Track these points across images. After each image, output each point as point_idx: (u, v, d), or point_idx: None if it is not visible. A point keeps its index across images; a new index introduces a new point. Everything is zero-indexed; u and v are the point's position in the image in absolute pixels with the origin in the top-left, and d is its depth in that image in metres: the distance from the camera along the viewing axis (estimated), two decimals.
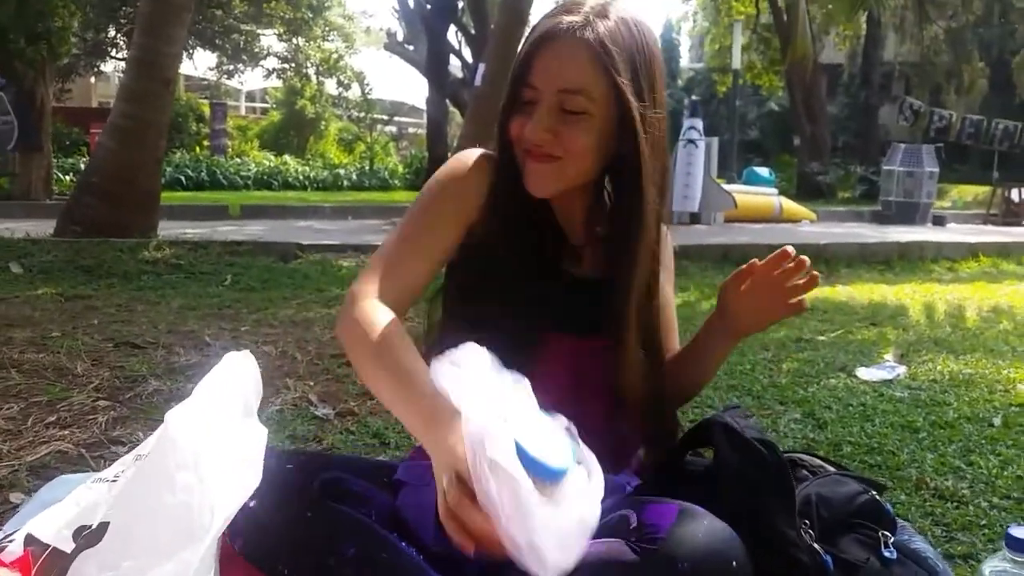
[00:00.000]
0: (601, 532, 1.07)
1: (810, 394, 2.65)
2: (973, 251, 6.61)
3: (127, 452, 2.12)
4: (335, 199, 11.99)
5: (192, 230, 6.77)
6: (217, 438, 1.01)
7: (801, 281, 1.26)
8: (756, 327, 1.30)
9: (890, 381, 2.86)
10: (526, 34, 1.20)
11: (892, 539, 1.19)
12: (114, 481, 1.04)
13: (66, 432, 2.20)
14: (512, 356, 1.21)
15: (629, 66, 1.13)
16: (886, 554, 1.16)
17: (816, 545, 1.13)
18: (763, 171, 12.59)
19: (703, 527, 1.00)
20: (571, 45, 1.12)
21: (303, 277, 4.77)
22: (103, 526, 0.94)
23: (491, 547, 0.86)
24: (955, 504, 1.82)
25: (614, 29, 1.13)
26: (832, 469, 1.40)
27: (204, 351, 3.08)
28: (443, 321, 1.28)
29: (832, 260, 6.05)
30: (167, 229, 6.37)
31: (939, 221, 10.85)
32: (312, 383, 2.69)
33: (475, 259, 1.22)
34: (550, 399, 1.24)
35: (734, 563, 0.98)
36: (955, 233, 8.85)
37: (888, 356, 3.19)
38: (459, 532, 0.88)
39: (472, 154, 1.25)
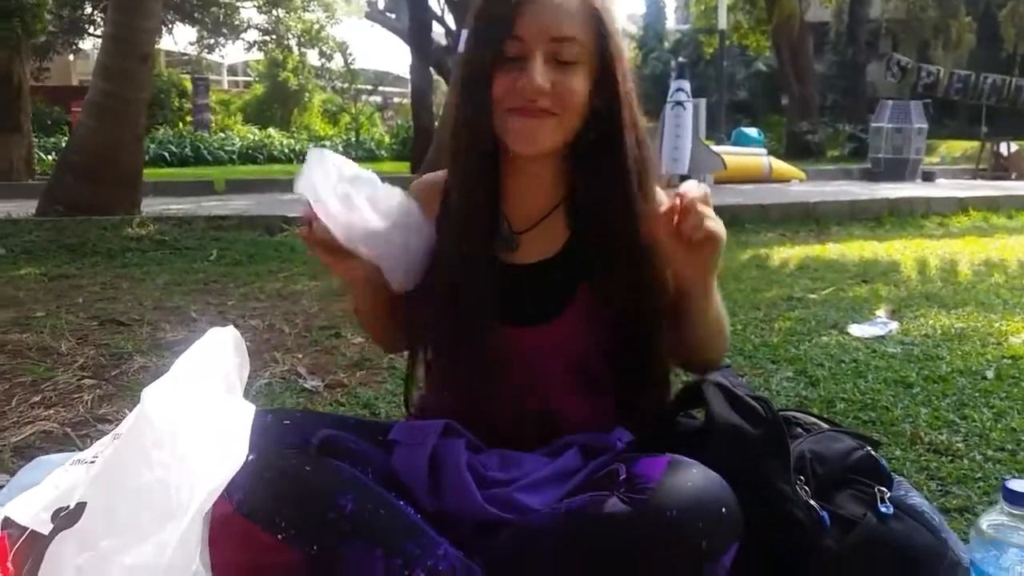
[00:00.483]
0: (590, 486, 1.08)
1: (802, 352, 2.64)
2: (963, 206, 6.59)
3: (113, 430, 2.11)
4: None
5: (177, 206, 6.69)
6: (197, 415, 0.98)
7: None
8: (694, 279, 1.17)
9: (882, 337, 2.85)
10: None
11: (888, 495, 1.17)
12: (92, 462, 1.01)
13: (51, 412, 2.17)
14: (463, 354, 1.22)
15: (609, 15, 1.14)
16: (883, 510, 1.14)
17: (812, 501, 1.12)
18: (752, 131, 12.52)
19: (692, 475, 1.00)
20: None
21: (289, 250, 4.72)
22: (80, 506, 0.92)
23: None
24: (950, 458, 1.81)
25: None
26: (826, 426, 1.39)
27: (191, 327, 3.04)
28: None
29: (823, 218, 6.03)
30: (151, 206, 6.30)
31: (928, 177, 10.82)
32: (300, 355, 2.66)
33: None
34: (515, 395, 1.24)
35: (723, 509, 0.98)
36: (945, 188, 8.82)
37: (880, 312, 3.17)
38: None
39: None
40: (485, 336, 1.21)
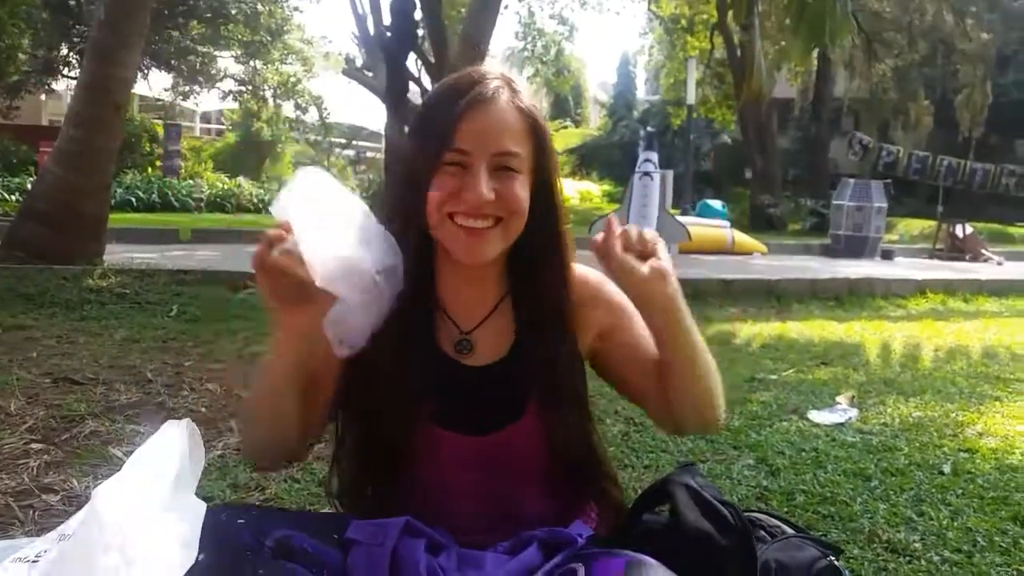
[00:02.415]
0: None
1: (763, 438, 2.65)
2: (921, 288, 6.73)
3: (58, 501, 2.04)
4: None
5: (141, 255, 6.61)
6: (148, 516, 0.95)
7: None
8: (659, 323, 1.18)
9: (842, 424, 2.87)
10: (431, 99, 1.20)
11: None
12: (35, 562, 0.97)
13: None
14: (408, 461, 1.20)
15: (544, 130, 1.18)
16: None
17: None
18: (716, 203, 12.76)
19: None
20: (503, 110, 1.13)
21: (251, 308, 4.65)
22: None
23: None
24: (907, 559, 1.81)
25: (529, 96, 1.18)
26: (790, 531, 1.38)
27: (145, 388, 2.98)
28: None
29: (784, 296, 6.12)
30: (116, 253, 6.21)
31: (887, 255, 11.07)
32: None
33: (361, 368, 1.17)
34: (468, 492, 1.23)
35: None
36: (903, 268, 9.03)
37: (840, 399, 3.20)
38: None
39: None
40: (414, 434, 1.19)
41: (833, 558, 1.29)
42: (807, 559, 1.25)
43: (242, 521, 1.09)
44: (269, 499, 2.05)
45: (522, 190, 1.14)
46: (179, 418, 2.48)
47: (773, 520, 1.43)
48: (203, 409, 2.74)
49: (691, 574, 1.10)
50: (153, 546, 0.92)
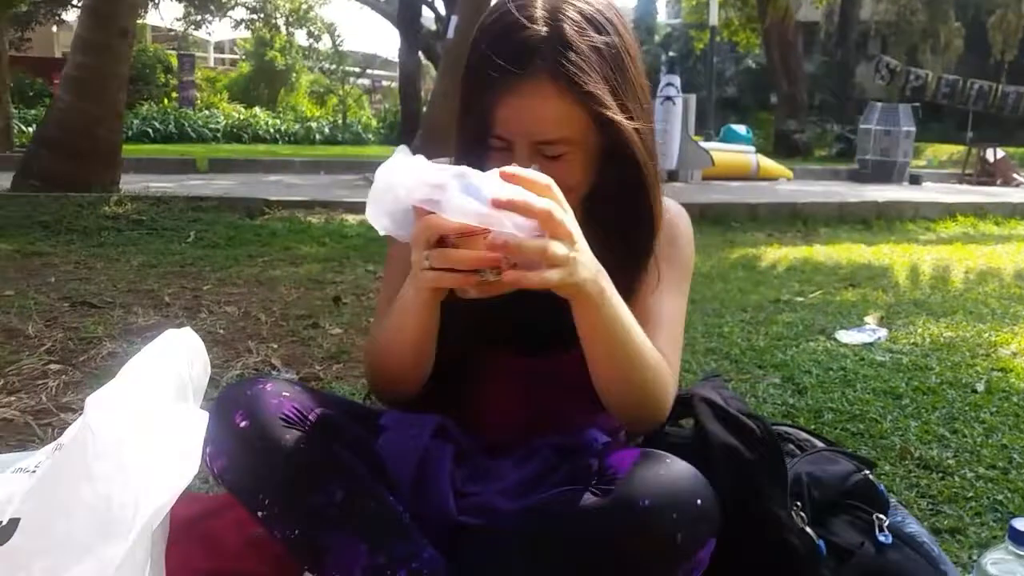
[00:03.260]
0: (563, 480, 1.03)
1: (789, 358, 2.59)
2: (951, 211, 6.58)
3: (76, 419, 2.02)
4: (306, 153, 11.73)
5: (158, 184, 6.55)
6: (145, 425, 0.91)
7: None
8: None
9: (871, 344, 2.80)
10: (474, 53, 1.03)
11: (887, 522, 1.12)
12: (34, 472, 0.93)
13: (12, 399, 2.08)
14: (453, 380, 1.14)
15: (609, 84, 1.00)
16: (881, 538, 1.09)
17: (808, 529, 1.06)
18: (741, 129, 12.46)
19: (664, 466, 0.96)
20: (540, 95, 0.98)
21: (270, 234, 4.62)
22: (13, 523, 0.84)
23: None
24: (940, 475, 1.76)
25: (581, 44, 0.98)
26: (820, 444, 1.33)
27: (163, 311, 2.96)
28: None
29: (810, 219, 5.99)
30: (132, 183, 6.16)
31: (915, 180, 10.82)
32: (276, 345, 2.58)
33: None
34: (509, 410, 1.17)
35: (699, 501, 0.94)
36: (932, 192, 8.83)
37: (869, 319, 3.13)
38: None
39: None
40: (483, 356, 1.14)
41: (868, 472, 1.24)
42: (841, 472, 1.20)
43: (286, 394, 1.06)
44: None
45: (572, 169, 1.02)
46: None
47: (803, 434, 1.38)
48: (221, 331, 2.71)
49: (719, 490, 1.05)
50: (151, 455, 0.88)
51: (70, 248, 4.15)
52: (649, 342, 1.04)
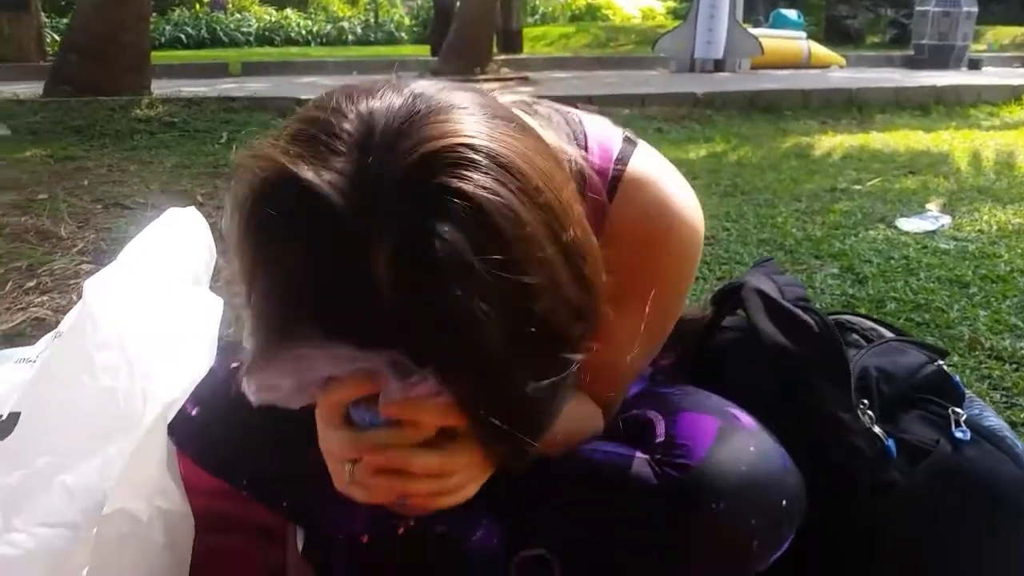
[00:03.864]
0: (623, 431, 0.88)
1: (848, 247, 2.45)
2: (1016, 94, 6.18)
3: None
4: (339, 54, 11.48)
5: (189, 89, 6.44)
6: (151, 310, 0.83)
7: None
8: None
9: (933, 232, 2.64)
10: None
11: (964, 416, 1.01)
12: (35, 362, 0.86)
13: (45, 298, 2.05)
14: None
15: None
16: (958, 434, 0.98)
17: (876, 428, 0.95)
18: (792, 13, 11.86)
19: (748, 452, 0.79)
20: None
21: None
22: (13, 417, 0.78)
23: None
24: (1014, 366, 1.65)
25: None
26: (887, 333, 1.21)
27: (197, 211, 2.89)
28: None
29: (865, 106, 5.69)
30: (164, 88, 6.05)
31: (975, 65, 10.24)
32: None
33: None
34: None
35: (783, 502, 0.78)
36: (994, 77, 8.34)
37: (930, 206, 2.95)
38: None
39: None
40: None
41: (940, 362, 1.13)
42: (912, 364, 1.08)
43: (237, 365, 0.93)
44: None
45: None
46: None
47: (867, 323, 1.26)
48: None
49: (775, 393, 0.95)
50: (160, 343, 0.80)
51: (103, 152, 4.10)
52: (585, 419, 0.86)
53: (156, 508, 0.82)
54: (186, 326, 0.84)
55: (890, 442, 0.95)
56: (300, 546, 0.95)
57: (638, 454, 0.82)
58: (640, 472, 0.80)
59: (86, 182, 3.38)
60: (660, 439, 0.82)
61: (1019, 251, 2.41)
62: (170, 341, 0.81)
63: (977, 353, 1.70)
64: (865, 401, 0.96)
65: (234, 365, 0.94)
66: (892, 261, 2.31)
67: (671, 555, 0.79)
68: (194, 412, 0.89)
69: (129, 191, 3.20)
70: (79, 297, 2.02)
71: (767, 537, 0.77)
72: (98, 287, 0.79)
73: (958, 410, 1.01)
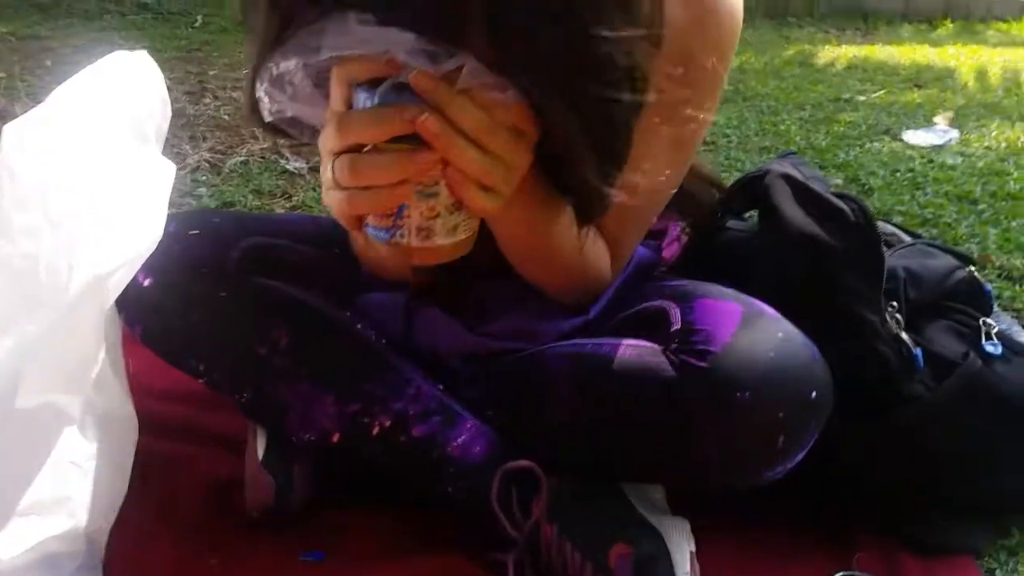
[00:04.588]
0: (629, 326, 0.79)
1: (852, 158, 2.33)
2: None
3: None
4: None
5: None
6: (85, 167, 0.71)
7: None
8: None
9: (940, 146, 2.53)
10: None
11: (996, 328, 0.92)
12: None
13: None
14: None
15: None
16: (988, 348, 0.89)
17: (904, 335, 0.86)
18: None
19: (776, 339, 0.71)
20: None
21: None
22: None
23: None
24: None
25: None
26: (908, 239, 1.12)
27: None
28: None
29: (871, 16, 5.48)
30: None
31: None
32: None
33: None
34: None
35: (812, 394, 0.70)
36: None
37: (938, 119, 2.83)
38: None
39: None
40: None
41: (972, 268, 1.03)
42: (942, 268, 0.99)
43: (196, 233, 0.84)
44: (296, 206, 1.84)
45: None
46: (199, 124, 2.20)
47: (889, 227, 1.17)
48: (225, 116, 2.49)
49: (798, 287, 0.86)
50: (93, 207, 0.68)
51: (69, 32, 3.87)
52: (579, 249, 0.77)
53: (89, 403, 0.72)
54: (129, 190, 0.72)
55: (917, 352, 0.86)
56: (260, 455, 0.86)
57: (649, 344, 0.74)
58: (652, 362, 0.72)
59: (49, 62, 3.18)
60: (676, 327, 0.75)
61: None
62: (108, 205, 0.70)
63: (987, 272, 1.61)
64: (894, 304, 0.87)
65: (192, 232, 0.85)
66: (898, 174, 2.21)
67: (687, 455, 0.72)
68: (146, 283, 0.81)
69: None
70: None
71: (793, 432, 0.70)
72: (19, 134, 0.67)
73: (989, 321, 0.92)
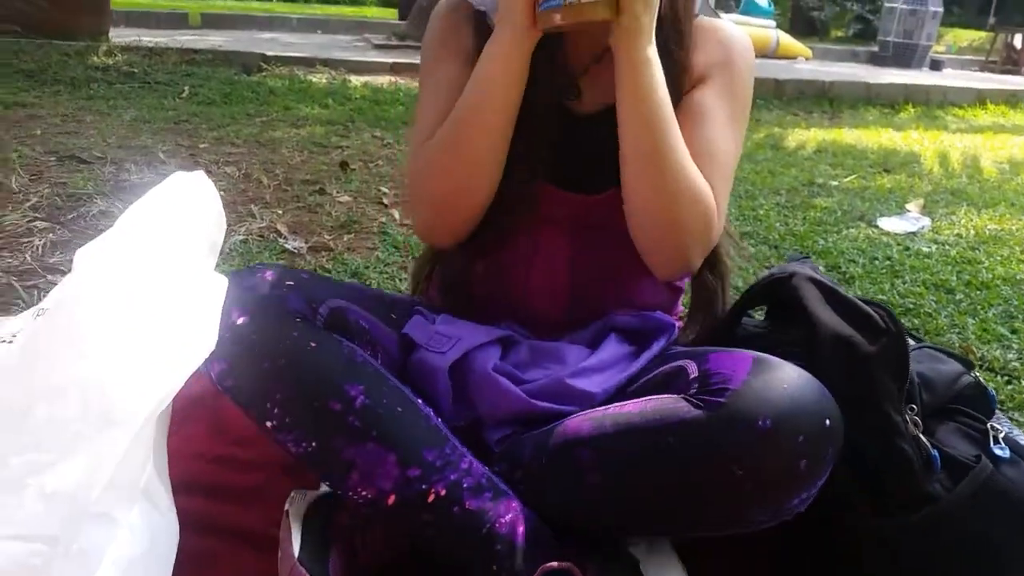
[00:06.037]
0: (649, 388, 0.87)
1: (831, 244, 2.42)
2: (981, 98, 6.28)
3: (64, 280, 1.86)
4: (303, 11, 11.16)
5: (148, 38, 6.18)
6: (149, 288, 0.74)
7: None
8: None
9: (914, 233, 2.63)
10: None
11: (1003, 432, 0.97)
12: (11, 342, 0.76)
13: None
14: (505, 216, 0.98)
15: None
16: (997, 451, 0.94)
17: (923, 436, 0.91)
18: (762, 1, 11.86)
19: (789, 377, 0.78)
20: None
21: (268, 92, 4.34)
22: None
23: None
24: (1006, 378, 1.63)
25: None
26: (911, 341, 1.17)
27: (158, 169, 2.75)
28: None
29: (836, 100, 5.71)
30: (122, 36, 5.78)
31: (936, 66, 10.35)
32: (280, 211, 2.39)
33: None
34: (553, 264, 1.02)
35: (827, 421, 0.77)
36: (957, 79, 8.45)
37: (910, 206, 2.94)
38: None
39: (443, 5, 1.08)
40: (529, 191, 0.99)
41: (976, 373, 1.09)
42: (951, 373, 1.04)
43: (291, 283, 0.89)
44: None
45: None
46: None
47: None
48: (221, 193, 2.47)
49: (831, 388, 0.90)
50: (155, 326, 0.71)
51: (57, 100, 3.88)
52: (689, 156, 0.93)
53: (141, 513, 0.74)
54: (187, 308, 0.75)
55: (935, 453, 0.90)
56: (295, 551, 0.88)
57: (668, 396, 0.81)
58: (673, 408, 0.79)
59: (39, 131, 3.19)
60: (693, 376, 0.83)
61: (998, 258, 2.41)
62: (169, 325, 0.72)
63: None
64: (912, 407, 0.92)
65: (288, 283, 0.89)
66: (876, 262, 2.29)
67: (719, 490, 0.76)
68: (240, 321, 0.83)
69: (86, 143, 3.03)
70: (32, 257, 1.91)
71: (814, 456, 0.76)
72: (90, 259, 0.70)
73: (997, 426, 0.97)
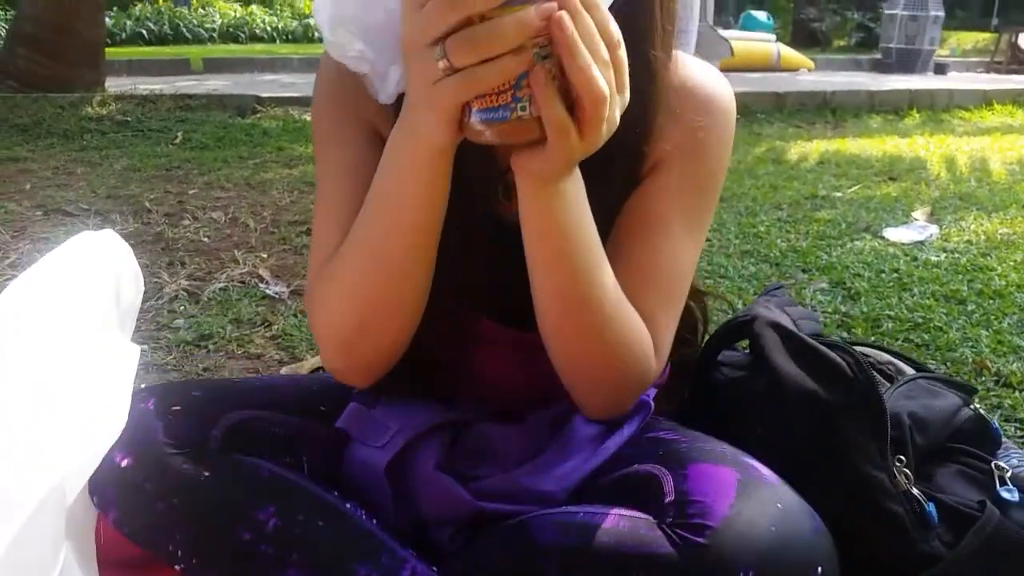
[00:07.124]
0: (622, 492, 0.74)
1: (836, 259, 2.33)
2: (987, 99, 6.17)
3: None
4: (305, 51, 11.23)
5: (148, 86, 6.21)
6: (48, 361, 0.67)
7: None
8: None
9: (922, 243, 2.54)
10: None
11: (1009, 472, 0.88)
12: None
13: None
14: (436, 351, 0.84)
15: None
16: (1004, 494, 0.85)
17: (915, 490, 0.82)
18: (761, 15, 11.83)
19: (776, 511, 0.67)
20: None
21: (262, 134, 4.32)
22: None
23: None
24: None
25: None
26: (906, 368, 1.08)
27: (144, 218, 2.71)
28: None
29: (839, 109, 5.63)
30: (123, 85, 5.81)
31: (940, 70, 10.26)
32: (265, 255, 2.33)
33: None
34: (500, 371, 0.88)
35: (819, 569, 0.66)
36: (963, 81, 8.35)
37: (916, 215, 2.85)
38: None
39: (325, 63, 0.89)
40: (465, 326, 0.86)
41: (976, 405, 1.00)
42: (946, 409, 0.95)
43: (178, 409, 0.79)
44: (276, 335, 1.80)
45: None
46: (178, 248, 2.18)
47: (884, 355, 1.13)
48: (205, 239, 2.47)
49: (798, 449, 0.82)
50: (54, 405, 0.64)
51: (50, 153, 3.88)
52: (621, 300, 0.74)
53: None
54: (93, 384, 0.68)
55: (930, 506, 0.81)
56: None
57: (642, 516, 0.70)
58: (647, 537, 0.67)
59: (28, 186, 3.17)
60: (670, 498, 0.70)
61: (1011, 263, 2.31)
62: (71, 403, 0.65)
63: (984, 379, 1.58)
64: (902, 458, 0.83)
65: (174, 408, 0.80)
66: (883, 275, 2.20)
67: None
68: (124, 463, 0.75)
69: (74, 196, 3.01)
70: None
71: None
72: None
73: (1002, 464, 0.88)
